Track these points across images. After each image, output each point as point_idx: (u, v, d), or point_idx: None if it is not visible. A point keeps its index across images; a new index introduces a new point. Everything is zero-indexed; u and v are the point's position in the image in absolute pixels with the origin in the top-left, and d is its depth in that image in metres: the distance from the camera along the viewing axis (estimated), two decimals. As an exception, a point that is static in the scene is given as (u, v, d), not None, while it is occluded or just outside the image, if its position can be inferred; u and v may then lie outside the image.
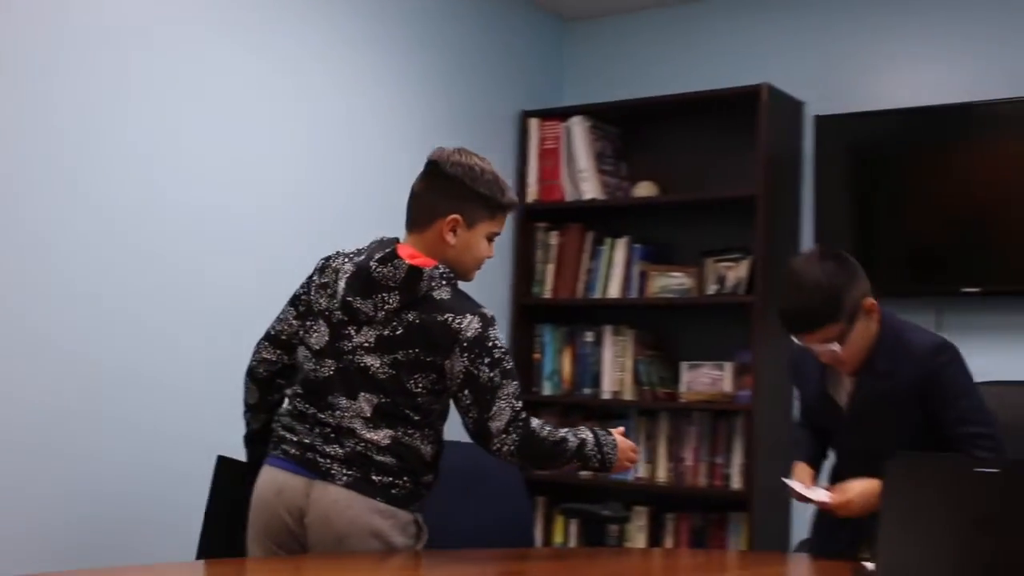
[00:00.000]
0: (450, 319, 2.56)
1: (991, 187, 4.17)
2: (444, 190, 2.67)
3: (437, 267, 2.62)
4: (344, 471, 2.56)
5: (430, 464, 2.65)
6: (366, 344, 2.59)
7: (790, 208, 4.56)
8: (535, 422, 2.61)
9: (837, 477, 2.99)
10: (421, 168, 4.48)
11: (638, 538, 4.64)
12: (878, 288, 2.88)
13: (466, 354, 2.55)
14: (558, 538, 4.80)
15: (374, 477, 2.56)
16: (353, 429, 2.57)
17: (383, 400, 2.57)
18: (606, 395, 4.74)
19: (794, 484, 2.87)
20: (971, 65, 4.34)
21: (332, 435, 2.59)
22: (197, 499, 2.91)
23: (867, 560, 2.61)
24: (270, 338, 2.81)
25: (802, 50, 4.68)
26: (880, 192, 4.42)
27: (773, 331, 4.40)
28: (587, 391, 4.80)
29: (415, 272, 2.59)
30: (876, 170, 4.42)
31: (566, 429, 2.69)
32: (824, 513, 2.97)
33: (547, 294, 4.91)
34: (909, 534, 2.27)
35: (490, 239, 2.72)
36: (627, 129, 5.06)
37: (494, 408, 2.56)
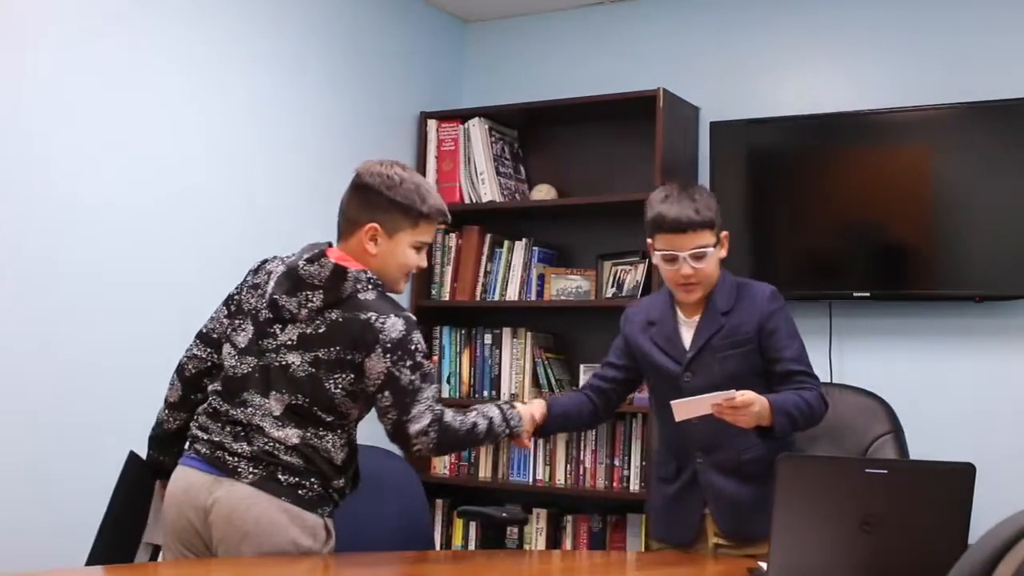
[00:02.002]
0: (373, 318, 2.58)
1: (882, 194, 4.29)
2: (363, 200, 2.70)
3: (365, 271, 2.65)
4: (251, 469, 2.56)
5: (340, 468, 2.66)
6: (289, 342, 2.62)
7: (687, 212, 4.62)
8: (448, 415, 2.67)
9: (661, 434, 3.09)
10: (316, 168, 4.50)
11: (537, 540, 4.67)
12: (772, 291, 2.99)
13: (388, 355, 2.58)
14: (457, 541, 4.82)
15: (281, 477, 2.56)
16: (262, 427, 2.58)
17: (296, 400, 2.59)
18: (505, 397, 4.77)
19: (682, 401, 2.82)
20: (865, 73, 4.46)
21: (242, 433, 2.60)
22: (90, 500, 2.87)
23: (762, 560, 2.67)
24: (201, 336, 2.82)
25: (699, 56, 4.77)
26: (775, 197, 4.51)
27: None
28: (486, 393, 4.83)
29: (340, 271, 2.62)
30: (771, 176, 4.52)
31: (474, 412, 2.78)
32: (672, 500, 3.04)
33: (445, 296, 4.93)
34: (800, 534, 2.33)
35: (417, 248, 2.75)
36: (526, 132, 5.10)
37: (414, 411, 2.60)
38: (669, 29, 4.85)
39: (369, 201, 2.69)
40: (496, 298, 4.85)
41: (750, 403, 2.76)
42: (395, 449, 4.56)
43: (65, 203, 3.51)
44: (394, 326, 2.59)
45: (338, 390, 2.60)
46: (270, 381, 2.61)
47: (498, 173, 4.88)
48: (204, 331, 2.82)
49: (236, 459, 2.58)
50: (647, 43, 4.89)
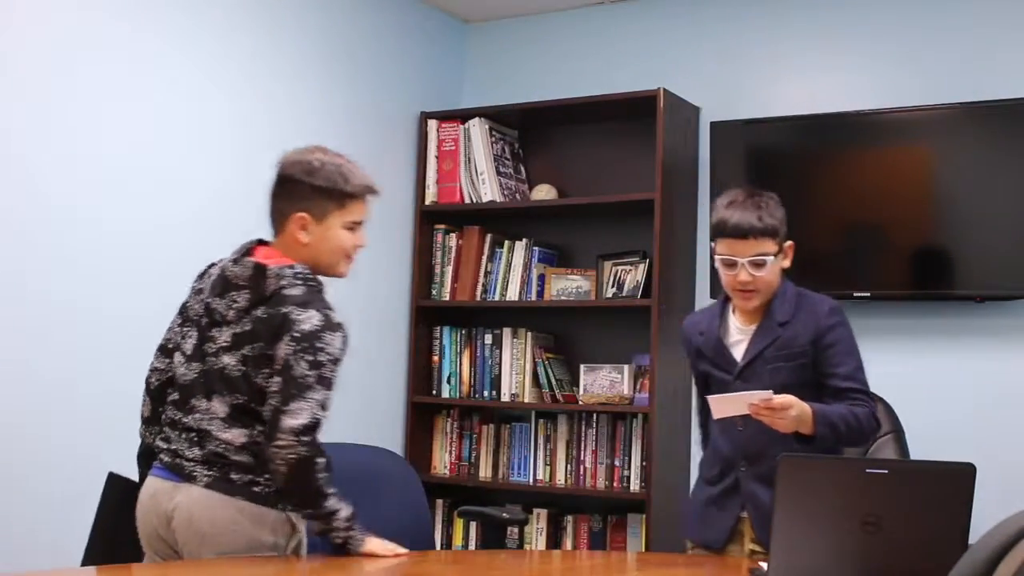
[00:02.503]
0: (292, 311, 2.55)
1: (882, 194, 4.29)
2: (287, 191, 2.69)
3: (292, 266, 2.62)
4: (205, 472, 2.57)
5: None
6: (224, 344, 2.62)
7: (687, 212, 4.64)
8: (323, 459, 2.53)
9: (716, 445, 3.05)
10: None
11: (538, 540, 4.68)
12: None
13: (292, 344, 2.52)
14: (458, 541, 4.82)
15: (233, 476, 2.56)
16: (210, 431, 2.59)
17: (237, 400, 2.58)
18: (505, 398, 4.78)
19: (719, 397, 2.81)
20: (866, 74, 4.46)
21: (195, 438, 2.61)
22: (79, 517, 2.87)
23: (762, 559, 2.68)
24: (160, 348, 2.82)
25: (699, 56, 4.77)
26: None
27: (671, 334, 4.48)
28: (486, 394, 4.83)
29: (260, 268, 2.61)
30: (771, 176, 4.51)
31: (339, 497, 2.60)
32: (710, 502, 3.03)
33: (446, 296, 4.93)
34: (801, 534, 2.34)
35: (351, 228, 2.71)
36: (526, 132, 5.11)
37: (293, 404, 2.49)
38: (670, 29, 4.85)
39: (293, 191, 2.67)
40: (496, 298, 4.85)
41: (787, 406, 2.73)
42: (395, 448, 4.58)
43: (60, 210, 3.51)
44: (309, 319, 2.54)
45: (267, 384, 2.56)
46: (212, 385, 2.61)
47: (498, 173, 4.88)
48: (162, 343, 2.81)
49: (192, 464, 2.58)
50: (648, 43, 4.89)
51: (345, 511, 2.59)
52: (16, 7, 3.42)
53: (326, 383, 2.54)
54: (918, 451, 3.77)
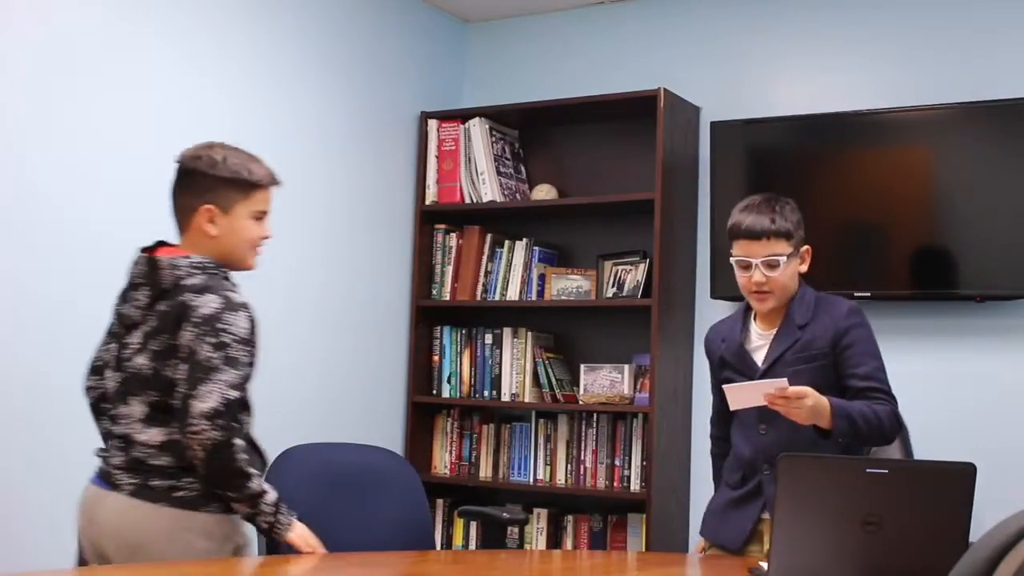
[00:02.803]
0: (189, 298, 2.55)
1: (882, 194, 4.29)
2: (191, 185, 2.68)
3: (188, 257, 2.62)
4: (128, 480, 2.57)
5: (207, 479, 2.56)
6: (136, 346, 2.61)
7: (687, 212, 4.64)
8: (240, 442, 2.52)
9: (738, 449, 3.06)
10: (316, 169, 4.51)
11: (538, 540, 4.68)
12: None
13: (194, 329, 2.52)
14: (458, 540, 4.82)
15: (153, 483, 2.55)
16: (131, 435, 2.59)
17: (152, 397, 2.57)
18: (505, 397, 4.78)
19: (735, 386, 2.83)
20: (866, 73, 4.46)
21: (121, 445, 2.61)
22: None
23: (762, 560, 2.67)
24: (91, 367, 2.81)
25: (699, 56, 4.77)
26: (775, 197, 4.51)
27: (671, 334, 4.48)
28: (486, 394, 4.83)
29: (152, 262, 2.61)
30: (771, 176, 4.52)
31: (263, 480, 2.61)
32: (730, 504, 3.03)
33: (446, 296, 4.93)
34: (801, 533, 2.33)
35: (257, 218, 2.72)
36: (526, 132, 5.10)
37: (201, 388, 2.47)
38: (670, 29, 4.85)
39: (198, 184, 2.66)
40: (496, 298, 4.85)
41: (802, 395, 2.73)
42: (395, 448, 4.58)
43: (58, 210, 3.52)
44: (208, 303, 2.54)
45: (177, 377, 2.55)
46: (128, 388, 2.60)
47: (499, 173, 4.88)
48: (92, 362, 2.80)
49: (118, 472, 2.58)
50: (648, 43, 4.89)
51: (271, 495, 2.58)
52: (16, 7, 3.42)
53: (234, 363, 2.51)
54: (919, 451, 3.77)
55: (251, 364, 2.58)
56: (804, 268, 3.02)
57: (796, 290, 3.00)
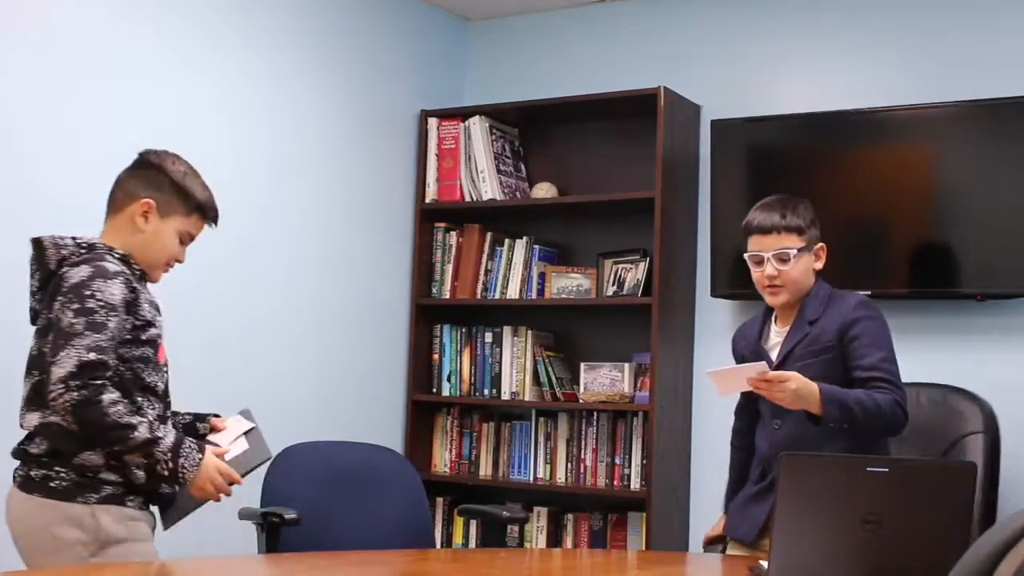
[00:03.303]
0: (65, 271, 2.55)
1: (882, 193, 4.28)
2: (146, 177, 2.69)
3: (73, 238, 2.61)
4: (18, 471, 2.58)
5: (89, 441, 2.51)
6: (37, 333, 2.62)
7: (687, 211, 4.64)
8: (109, 395, 2.44)
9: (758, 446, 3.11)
10: (316, 167, 4.50)
11: (538, 539, 4.68)
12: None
13: (60, 298, 2.51)
14: (458, 539, 4.82)
15: (32, 473, 2.54)
16: (21, 423, 2.59)
17: (34, 378, 2.56)
18: (505, 396, 4.77)
19: (718, 371, 2.86)
20: (867, 71, 4.45)
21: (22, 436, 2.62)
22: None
23: (763, 559, 2.67)
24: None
25: (700, 54, 4.76)
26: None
27: (671, 332, 4.48)
28: (486, 392, 4.83)
29: (36, 242, 2.62)
30: (772, 174, 4.50)
31: (155, 422, 2.52)
32: (749, 499, 3.08)
33: (446, 294, 4.92)
34: (802, 532, 2.33)
35: (182, 240, 2.71)
36: (527, 130, 5.10)
37: (61, 354, 2.42)
38: (670, 27, 4.84)
39: (153, 179, 2.68)
40: (497, 296, 4.85)
41: (784, 379, 2.77)
42: (395, 447, 4.58)
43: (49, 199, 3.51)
44: (78, 273, 2.52)
45: (45, 350, 2.52)
46: (26, 374, 2.60)
47: (499, 171, 4.88)
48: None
49: (15, 463, 2.59)
50: (648, 41, 4.88)
51: (168, 440, 2.51)
52: (16, 7, 3.42)
53: (98, 328, 2.46)
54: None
55: (123, 330, 2.52)
56: (819, 265, 3.09)
57: (811, 287, 3.07)
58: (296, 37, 4.37)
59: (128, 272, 2.59)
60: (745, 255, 3.10)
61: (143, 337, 2.59)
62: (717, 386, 2.87)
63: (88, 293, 2.48)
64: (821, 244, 3.09)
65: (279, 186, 4.28)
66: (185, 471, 2.53)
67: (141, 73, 3.77)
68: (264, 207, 4.21)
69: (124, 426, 2.45)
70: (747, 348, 3.16)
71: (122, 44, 3.71)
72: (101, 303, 2.48)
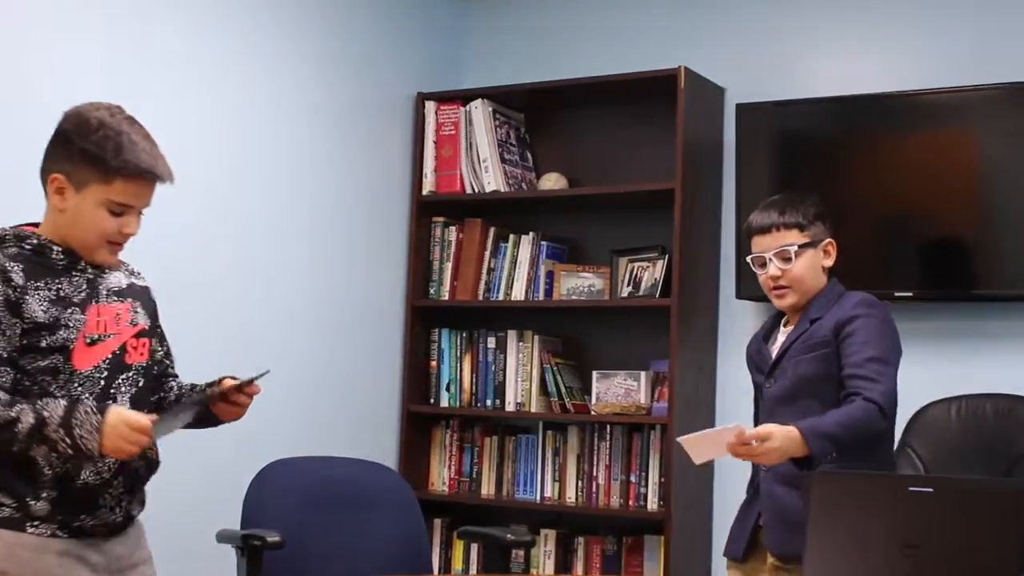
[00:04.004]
0: None
1: (924, 182, 4.27)
2: (54, 147, 2.53)
3: (6, 228, 2.53)
4: None
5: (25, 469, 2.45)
6: None
7: (710, 203, 4.62)
8: None
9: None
10: (301, 156, 4.49)
11: (545, 564, 4.67)
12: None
13: None
14: (458, 564, 4.82)
15: None
16: None
17: None
18: (510, 407, 4.76)
19: (690, 437, 2.86)
20: (904, 51, 4.44)
21: None
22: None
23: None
24: None
25: (723, 32, 4.75)
26: (805, 185, 4.45)
27: (692, 338, 4.46)
28: (489, 403, 4.82)
29: None
30: (802, 163, 4.50)
31: (40, 401, 2.41)
32: (740, 512, 3.16)
33: (445, 295, 4.91)
34: (836, 558, 2.32)
35: (114, 211, 2.51)
36: (534, 115, 5.09)
37: None
38: (691, 2, 4.83)
39: (60, 148, 2.51)
40: (500, 298, 4.84)
41: (764, 436, 2.78)
42: (388, 463, 4.57)
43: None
44: None
45: None
46: None
47: (503, 160, 4.87)
48: None
49: None
50: (667, 17, 4.87)
51: (57, 412, 2.39)
52: (16, 6, 3.43)
53: None
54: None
55: (13, 336, 2.43)
56: (828, 263, 3.15)
57: (822, 287, 3.13)
58: (283, 15, 4.35)
59: (18, 268, 2.46)
60: (748, 259, 3.19)
61: (42, 344, 2.46)
62: (690, 454, 2.89)
63: None
64: (829, 240, 3.15)
65: (262, 179, 4.26)
66: (85, 440, 2.39)
67: (125, 54, 3.76)
68: (247, 202, 4.19)
69: (5, 424, 2.36)
70: (754, 350, 3.25)
71: (108, 24, 3.70)
72: None
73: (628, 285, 4.64)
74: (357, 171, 4.68)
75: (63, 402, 2.42)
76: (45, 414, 2.38)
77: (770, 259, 3.09)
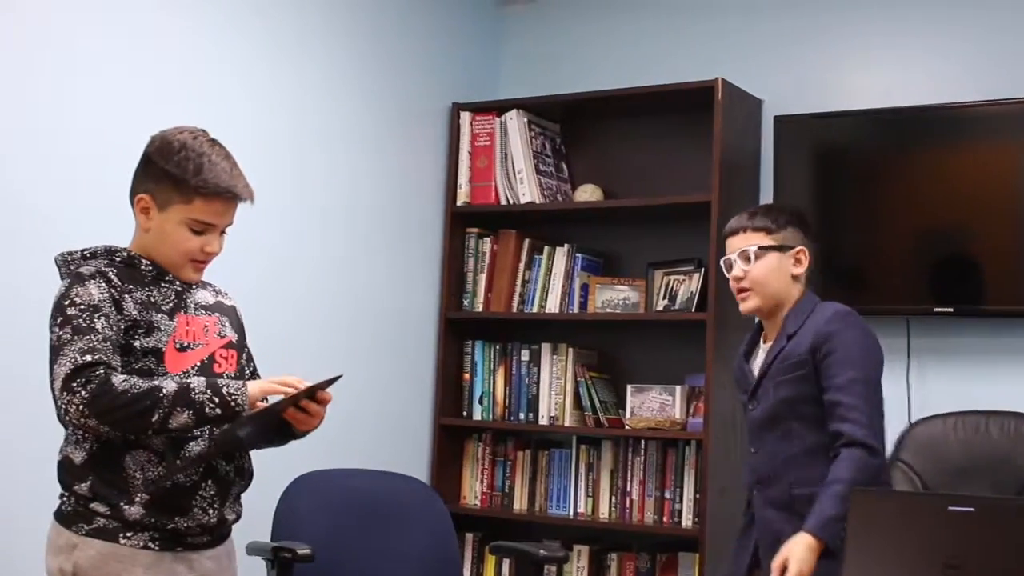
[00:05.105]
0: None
1: (966, 197, 4.24)
2: (141, 169, 2.67)
3: (76, 251, 2.64)
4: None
5: (81, 470, 2.55)
6: None
7: (747, 216, 4.61)
8: (118, 377, 2.46)
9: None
10: (335, 166, 4.51)
11: (577, 580, 4.66)
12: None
13: (49, 321, 2.54)
14: (489, 580, 4.82)
15: (60, 500, 2.61)
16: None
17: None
18: (543, 421, 4.76)
19: None
20: (947, 64, 4.41)
21: None
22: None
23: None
24: None
25: (761, 44, 4.74)
26: (844, 200, 4.48)
27: (728, 352, 4.44)
28: (522, 416, 4.82)
29: (57, 259, 2.66)
30: (841, 176, 4.49)
31: (168, 377, 2.54)
32: (737, 537, 3.20)
33: (478, 307, 4.92)
34: (876, 572, 2.30)
35: (195, 229, 2.64)
36: (569, 126, 5.09)
37: (55, 369, 2.47)
38: (729, 12, 4.83)
39: (145, 170, 2.66)
40: (534, 310, 4.84)
41: (784, 564, 2.76)
42: (420, 476, 4.57)
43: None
44: (58, 290, 2.57)
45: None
46: None
47: (538, 171, 4.87)
48: None
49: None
50: (704, 28, 4.87)
51: (199, 379, 2.54)
52: (16, 6, 3.45)
53: (83, 331, 2.48)
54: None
55: (118, 331, 2.52)
56: (798, 271, 3.14)
57: (793, 296, 3.12)
58: (318, 24, 4.37)
59: (112, 272, 2.58)
60: (720, 262, 3.23)
61: (136, 344, 2.56)
62: None
63: (67, 303, 2.51)
64: (801, 248, 3.14)
65: (296, 189, 4.28)
66: (235, 396, 2.52)
67: (156, 68, 3.79)
68: (281, 212, 4.21)
69: (148, 391, 2.45)
70: (738, 369, 3.26)
71: (131, 38, 3.72)
72: (81, 307, 2.50)
73: (664, 298, 4.63)
74: (391, 181, 4.70)
75: (198, 376, 2.58)
76: (188, 381, 2.51)
77: (734, 260, 3.12)
